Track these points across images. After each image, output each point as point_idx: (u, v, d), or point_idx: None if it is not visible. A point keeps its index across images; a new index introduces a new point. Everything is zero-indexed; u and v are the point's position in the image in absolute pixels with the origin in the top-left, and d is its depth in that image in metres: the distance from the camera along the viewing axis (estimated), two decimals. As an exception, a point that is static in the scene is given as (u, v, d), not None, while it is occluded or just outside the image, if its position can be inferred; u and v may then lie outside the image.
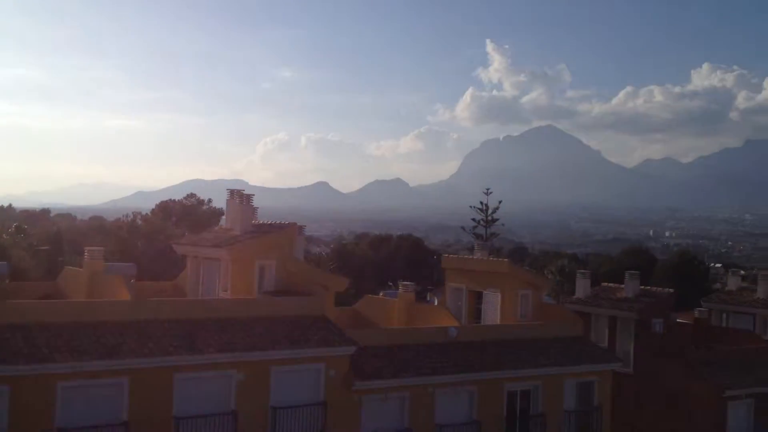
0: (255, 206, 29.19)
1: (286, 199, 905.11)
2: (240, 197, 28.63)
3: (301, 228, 29.45)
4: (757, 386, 34.20)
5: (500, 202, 68.21)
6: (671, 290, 39.29)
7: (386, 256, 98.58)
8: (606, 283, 41.50)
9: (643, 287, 38.80)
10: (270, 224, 28.70)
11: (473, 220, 68.06)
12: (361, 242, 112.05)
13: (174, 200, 76.73)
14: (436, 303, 41.67)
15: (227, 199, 29.21)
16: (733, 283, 45.96)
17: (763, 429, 34.34)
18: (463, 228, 73.53)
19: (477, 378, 27.14)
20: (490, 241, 65.59)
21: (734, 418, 33.77)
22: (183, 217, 70.87)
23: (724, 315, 43.59)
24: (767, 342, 39.78)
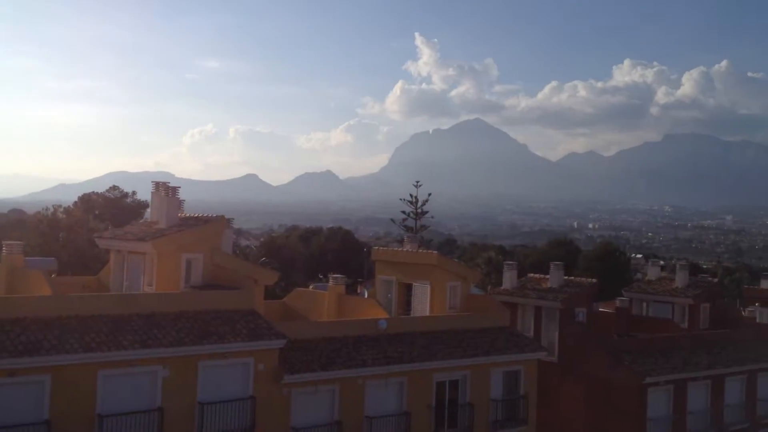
0: (181, 199, 28.59)
1: (214, 192, 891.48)
2: (165, 189, 27.99)
3: (229, 221, 29.00)
4: (675, 372, 35.56)
5: (429, 194, 68.82)
6: (594, 280, 40.37)
7: (316, 249, 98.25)
8: (532, 274, 42.36)
9: (567, 278, 39.75)
10: (197, 217, 28.18)
11: (403, 212, 68.49)
12: (291, 235, 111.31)
13: (96, 193, 74.55)
14: (366, 295, 41.71)
15: (152, 192, 28.52)
16: (652, 272, 47.58)
17: (681, 413, 35.74)
18: (393, 220, 73.94)
19: (406, 369, 27.36)
20: (420, 234, 66.11)
21: (654, 404, 35.05)
22: (106, 210, 68.95)
23: (645, 304, 45.11)
24: (685, 330, 41.39)
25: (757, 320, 45.43)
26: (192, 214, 28.57)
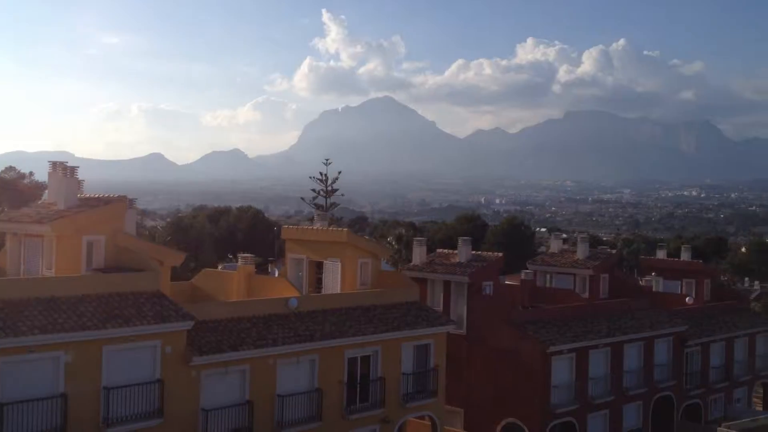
0: (81, 179, 27.53)
1: (116, 172, 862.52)
2: (64, 170, 26.88)
3: (132, 201, 28.16)
4: (577, 341, 37.01)
5: (339, 172, 68.76)
6: (500, 254, 41.38)
7: (225, 228, 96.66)
8: (441, 250, 43.07)
9: (474, 252, 40.61)
10: (98, 198, 27.21)
11: (313, 190, 68.24)
12: (198, 215, 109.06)
13: (-9, 173, 70.98)
14: (276, 274, 41.46)
15: (49, 172, 27.32)
16: (555, 245, 49.21)
17: (582, 379, 37.25)
18: (303, 199, 73.60)
19: (318, 347, 27.42)
20: (330, 212, 66.05)
21: (557, 372, 36.39)
22: (2, 192, 65.80)
23: (548, 276, 46.67)
24: (586, 300, 43.06)
25: (654, 289, 47.75)
26: (93, 195, 27.58)
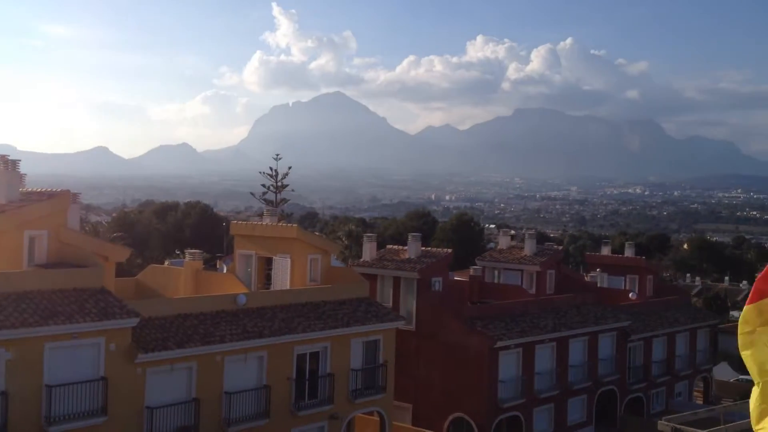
0: (23, 173, 26.83)
1: (60, 166, 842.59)
2: (5, 163, 26.13)
3: (75, 195, 27.53)
4: (524, 336, 37.54)
5: (290, 168, 68.35)
6: (449, 250, 41.68)
7: (173, 224, 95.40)
8: (391, 246, 43.16)
9: (424, 248, 40.83)
10: (40, 192, 26.54)
11: (263, 186, 67.69)
12: (145, 210, 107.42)
13: (-74, 166, 68.62)
14: (225, 271, 41.07)
15: (-11, 165, 26.53)
16: (503, 242, 49.78)
17: (529, 374, 37.81)
18: (253, 194, 72.93)
19: (266, 343, 27.27)
20: (280, 207, 65.63)
21: (504, 366, 36.88)
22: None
23: (496, 272, 47.21)
24: (533, 296, 43.70)
25: (599, 284, 48.68)
26: (35, 189, 26.89)
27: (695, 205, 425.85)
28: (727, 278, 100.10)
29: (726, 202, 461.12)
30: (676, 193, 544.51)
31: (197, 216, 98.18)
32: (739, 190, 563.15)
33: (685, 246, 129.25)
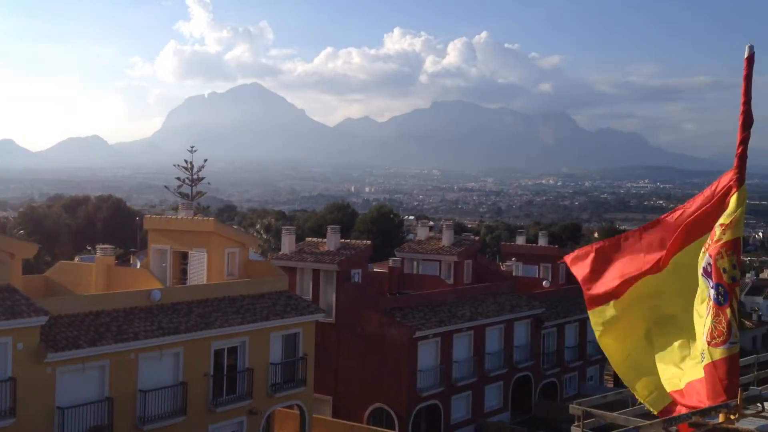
0: None
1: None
2: None
3: (-23, 190, 26.33)
4: (442, 326, 38.11)
5: (205, 160, 67.20)
6: (369, 242, 41.90)
7: (83, 219, 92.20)
8: (310, 239, 43.02)
9: (344, 241, 40.89)
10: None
11: (178, 179, 66.31)
12: (54, 205, 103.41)
13: None
14: (138, 266, 40.03)
15: None
16: (422, 233, 50.35)
17: (447, 362, 38.42)
18: (167, 187, 71.37)
19: (182, 339, 26.79)
20: (196, 200, 64.44)
21: (423, 356, 37.36)
22: None
23: (415, 263, 47.71)
24: (450, 286, 44.38)
25: (514, 273, 49.87)
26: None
27: (605, 195, 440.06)
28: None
29: (634, 192, 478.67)
30: (587, 184, 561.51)
31: (109, 210, 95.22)
32: (646, 181, 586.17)
33: (596, 235, 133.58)
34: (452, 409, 38.93)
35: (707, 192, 5.65)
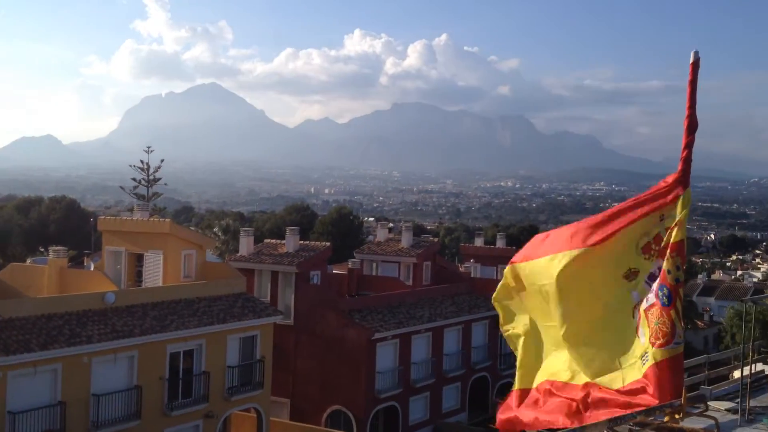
0: None
1: None
2: None
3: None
4: (401, 327, 38.18)
5: (162, 160, 66.33)
6: (328, 244, 41.82)
7: (36, 220, 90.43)
8: (269, 240, 42.75)
9: (303, 242, 40.73)
10: None
11: (134, 179, 65.36)
12: (6, 206, 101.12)
13: None
14: (92, 268, 39.36)
15: None
16: (381, 234, 50.41)
17: (406, 364, 38.50)
18: (122, 188, 70.28)
19: (137, 342, 26.41)
20: (152, 201, 63.60)
21: (382, 358, 37.39)
22: None
23: (374, 264, 47.73)
24: (409, 287, 44.50)
25: (472, 275, 50.16)
26: None
27: (562, 197, 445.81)
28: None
29: (590, 194, 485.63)
30: (544, 186, 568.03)
31: (63, 211, 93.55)
32: (602, 183, 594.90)
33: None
34: (410, 411, 39.02)
35: (646, 194, 5.75)
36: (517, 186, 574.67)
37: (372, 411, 36.66)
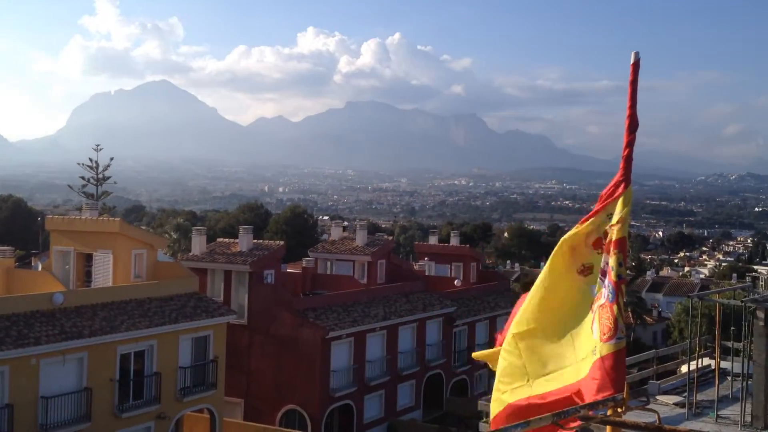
0: None
1: None
2: None
3: None
4: (355, 326, 38.22)
5: (112, 159, 65.27)
6: (281, 243, 41.62)
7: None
8: (222, 239, 42.37)
9: (256, 241, 40.46)
10: None
11: (82, 178, 64.19)
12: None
13: None
14: (40, 268, 38.53)
15: None
16: (335, 233, 50.33)
17: (360, 362, 38.56)
18: (71, 187, 69.00)
19: (86, 344, 25.96)
20: (102, 200, 62.51)
21: (337, 356, 37.39)
22: None
23: (329, 263, 47.66)
24: (364, 285, 44.56)
25: (426, 273, 50.47)
26: None
27: (515, 196, 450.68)
28: (542, 264, 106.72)
29: (542, 192, 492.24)
30: (497, 184, 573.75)
31: (9, 210, 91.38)
32: (553, 181, 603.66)
33: (506, 234, 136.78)
34: (365, 409, 39.10)
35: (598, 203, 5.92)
36: (471, 184, 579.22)
37: (327, 410, 36.65)
